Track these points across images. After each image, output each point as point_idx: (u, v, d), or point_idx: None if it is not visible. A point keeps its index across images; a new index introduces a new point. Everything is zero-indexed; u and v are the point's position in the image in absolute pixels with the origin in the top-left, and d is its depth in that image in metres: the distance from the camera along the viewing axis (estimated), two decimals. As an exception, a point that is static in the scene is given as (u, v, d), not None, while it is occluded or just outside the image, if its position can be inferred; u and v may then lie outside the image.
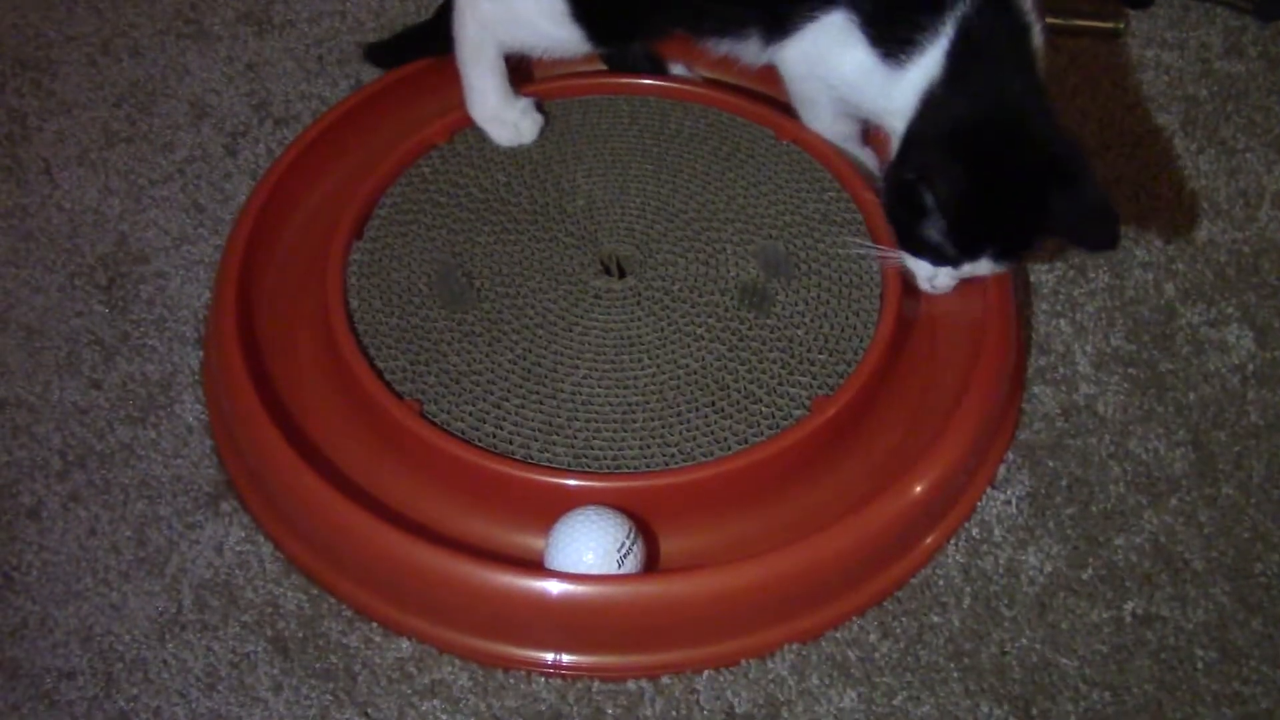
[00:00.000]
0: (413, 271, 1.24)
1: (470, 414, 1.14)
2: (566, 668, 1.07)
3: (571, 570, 1.06)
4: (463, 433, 1.12)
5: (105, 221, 1.41)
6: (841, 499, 1.14)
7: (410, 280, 1.23)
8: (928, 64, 1.15)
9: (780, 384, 1.16)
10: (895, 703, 1.07)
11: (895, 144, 1.19)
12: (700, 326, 1.21)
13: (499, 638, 1.08)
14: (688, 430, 1.13)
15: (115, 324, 1.31)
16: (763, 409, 1.15)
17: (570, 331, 1.20)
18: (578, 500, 1.09)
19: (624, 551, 1.06)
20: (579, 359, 1.18)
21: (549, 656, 1.07)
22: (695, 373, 1.17)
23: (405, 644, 1.09)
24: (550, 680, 1.07)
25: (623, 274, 1.25)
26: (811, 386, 1.16)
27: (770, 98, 1.38)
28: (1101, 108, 1.53)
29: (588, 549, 1.06)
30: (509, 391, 1.15)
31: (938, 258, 1.15)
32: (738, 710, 1.06)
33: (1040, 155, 1.11)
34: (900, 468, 1.13)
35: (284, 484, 1.11)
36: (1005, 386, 1.21)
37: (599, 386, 1.16)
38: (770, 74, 1.31)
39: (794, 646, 1.09)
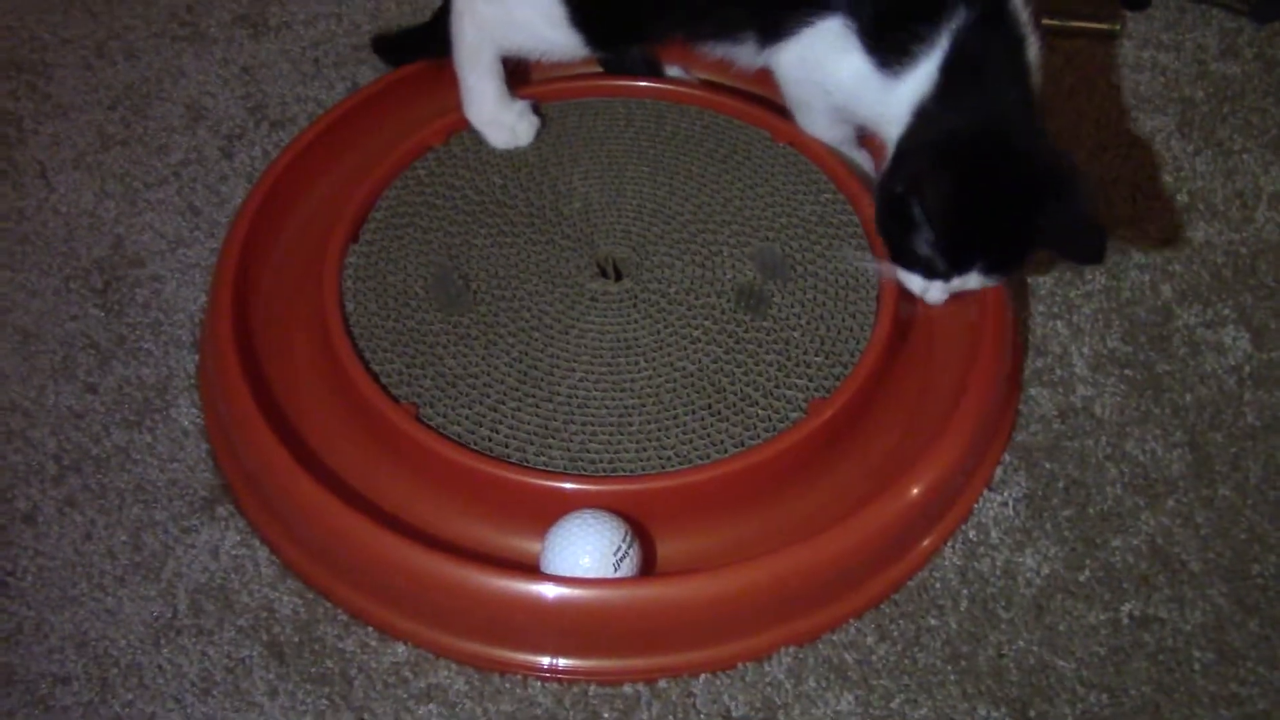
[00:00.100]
0: (409, 274, 1.24)
1: (466, 417, 1.14)
2: (563, 672, 1.07)
3: (568, 574, 1.05)
4: (459, 436, 1.12)
5: (100, 225, 1.40)
6: (838, 501, 1.14)
7: (406, 283, 1.23)
8: (921, 76, 1.14)
9: (777, 386, 1.16)
10: (892, 705, 1.07)
11: (889, 153, 1.19)
12: (697, 329, 1.20)
13: (495, 642, 1.07)
14: (684, 433, 1.13)
15: (111, 327, 1.31)
16: (759, 411, 1.15)
17: (567, 334, 1.20)
18: (574, 503, 1.09)
19: (620, 555, 1.06)
20: (575, 362, 1.18)
21: (545, 660, 1.07)
22: (692, 375, 1.17)
23: (401, 648, 1.09)
24: (546, 684, 1.07)
25: (619, 276, 1.25)
26: (808, 389, 1.16)
27: (767, 100, 1.38)
28: (1098, 109, 1.53)
29: (584, 552, 1.06)
30: (505, 394, 1.15)
31: (929, 271, 1.15)
32: (734, 713, 1.06)
33: (1029, 169, 1.11)
34: (897, 470, 1.13)
35: (280, 488, 1.11)
36: (1002, 388, 1.21)
37: (595, 389, 1.16)
38: (766, 76, 1.31)
39: (791, 649, 1.09)
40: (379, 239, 1.26)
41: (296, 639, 1.10)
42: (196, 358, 1.28)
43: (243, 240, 1.26)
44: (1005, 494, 1.19)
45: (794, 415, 1.14)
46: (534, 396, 1.15)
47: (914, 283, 1.16)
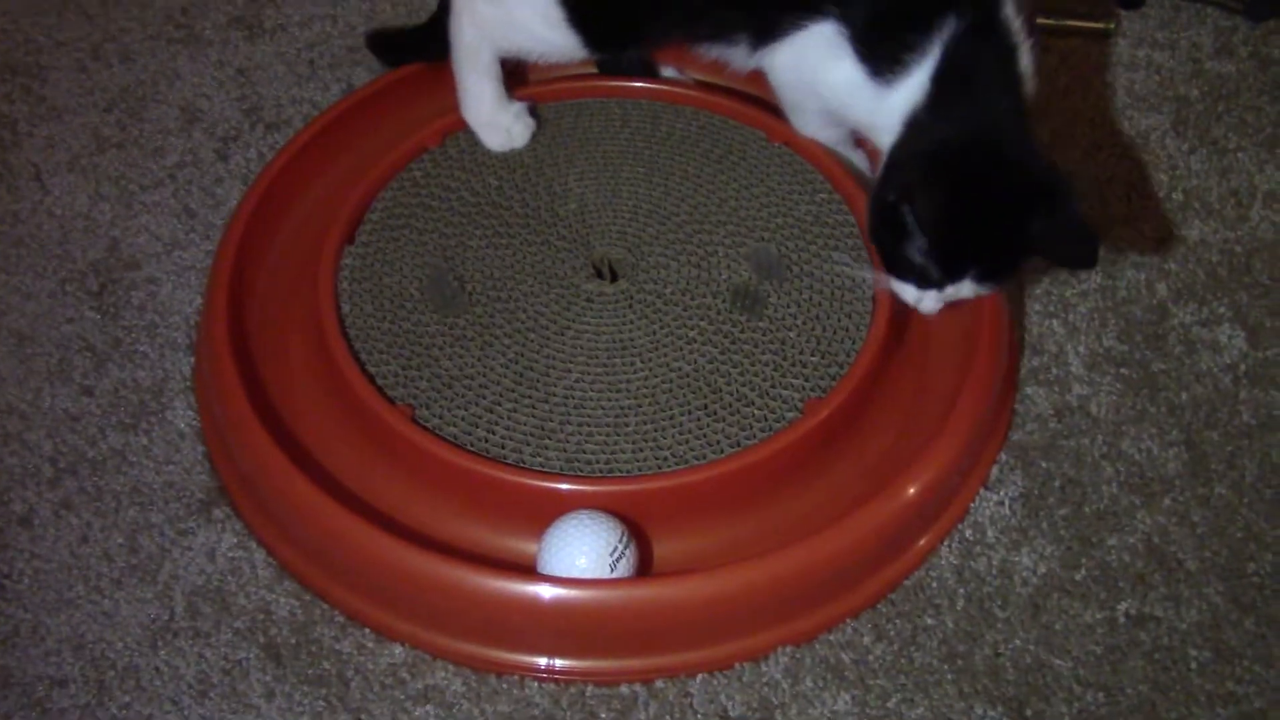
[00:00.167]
0: (404, 276, 1.24)
1: (462, 418, 1.14)
2: (560, 672, 1.07)
3: (564, 575, 1.05)
4: (455, 437, 1.12)
5: (96, 227, 1.40)
6: (834, 501, 1.14)
7: (402, 284, 1.23)
8: (913, 85, 1.14)
9: (773, 386, 1.16)
10: (889, 705, 1.07)
11: (883, 159, 1.19)
12: (692, 329, 1.20)
13: (492, 643, 1.07)
14: (680, 433, 1.13)
15: (106, 330, 1.31)
16: (755, 412, 1.15)
17: (562, 335, 1.20)
18: (570, 504, 1.09)
19: (616, 555, 1.06)
20: (571, 363, 1.18)
21: (542, 661, 1.07)
22: (687, 376, 1.17)
23: (398, 649, 1.09)
24: (544, 685, 1.07)
25: (615, 277, 1.25)
26: (804, 389, 1.16)
27: (762, 100, 1.38)
28: (1092, 108, 1.53)
29: (580, 553, 1.06)
30: (501, 395, 1.15)
31: (922, 280, 1.15)
32: (731, 713, 1.06)
33: (1020, 178, 1.11)
34: (893, 470, 1.13)
35: (276, 489, 1.11)
36: (998, 388, 1.21)
37: (591, 390, 1.16)
38: (761, 77, 1.31)
39: (788, 649, 1.09)
40: (375, 241, 1.26)
41: (293, 640, 1.09)
42: (192, 360, 1.28)
43: (238, 242, 1.26)
44: (1001, 493, 1.19)
45: (790, 415, 1.14)
46: (530, 397, 1.15)
47: (908, 293, 1.16)
